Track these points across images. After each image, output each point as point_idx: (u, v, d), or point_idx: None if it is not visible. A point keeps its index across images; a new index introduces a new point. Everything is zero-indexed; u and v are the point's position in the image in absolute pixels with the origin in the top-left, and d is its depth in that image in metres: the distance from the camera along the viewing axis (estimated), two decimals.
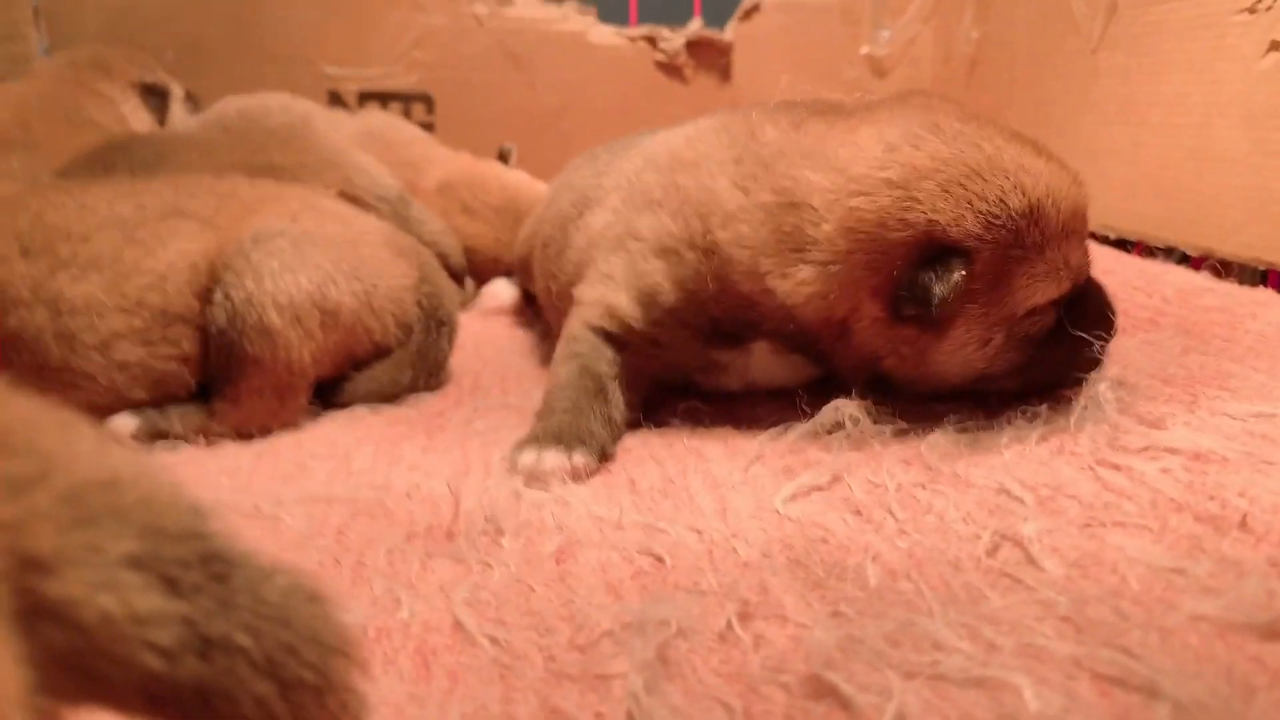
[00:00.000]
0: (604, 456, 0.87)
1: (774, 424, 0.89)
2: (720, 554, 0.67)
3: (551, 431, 0.87)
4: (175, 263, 0.98)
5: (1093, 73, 1.58)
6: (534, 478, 0.82)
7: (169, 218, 1.01)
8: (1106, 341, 0.85)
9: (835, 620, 0.57)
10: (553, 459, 0.83)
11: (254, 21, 2.03)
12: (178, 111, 1.79)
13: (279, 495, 0.83)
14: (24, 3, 1.85)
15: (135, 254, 0.98)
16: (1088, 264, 0.87)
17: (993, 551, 0.64)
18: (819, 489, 0.76)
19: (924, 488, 0.74)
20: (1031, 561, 0.61)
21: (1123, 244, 1.51)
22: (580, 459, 0.84)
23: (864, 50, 2.16)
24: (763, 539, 0.68)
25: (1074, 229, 0.84)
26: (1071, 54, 1.64)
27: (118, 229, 0.99)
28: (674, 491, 0.79)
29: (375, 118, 1.86)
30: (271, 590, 0.39)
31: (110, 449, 0.41)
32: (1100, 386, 0.82)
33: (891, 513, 0.70)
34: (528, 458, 0.84)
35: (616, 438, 0.90)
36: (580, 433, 0.87)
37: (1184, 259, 1.37)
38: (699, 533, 0.70)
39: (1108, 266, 1.34)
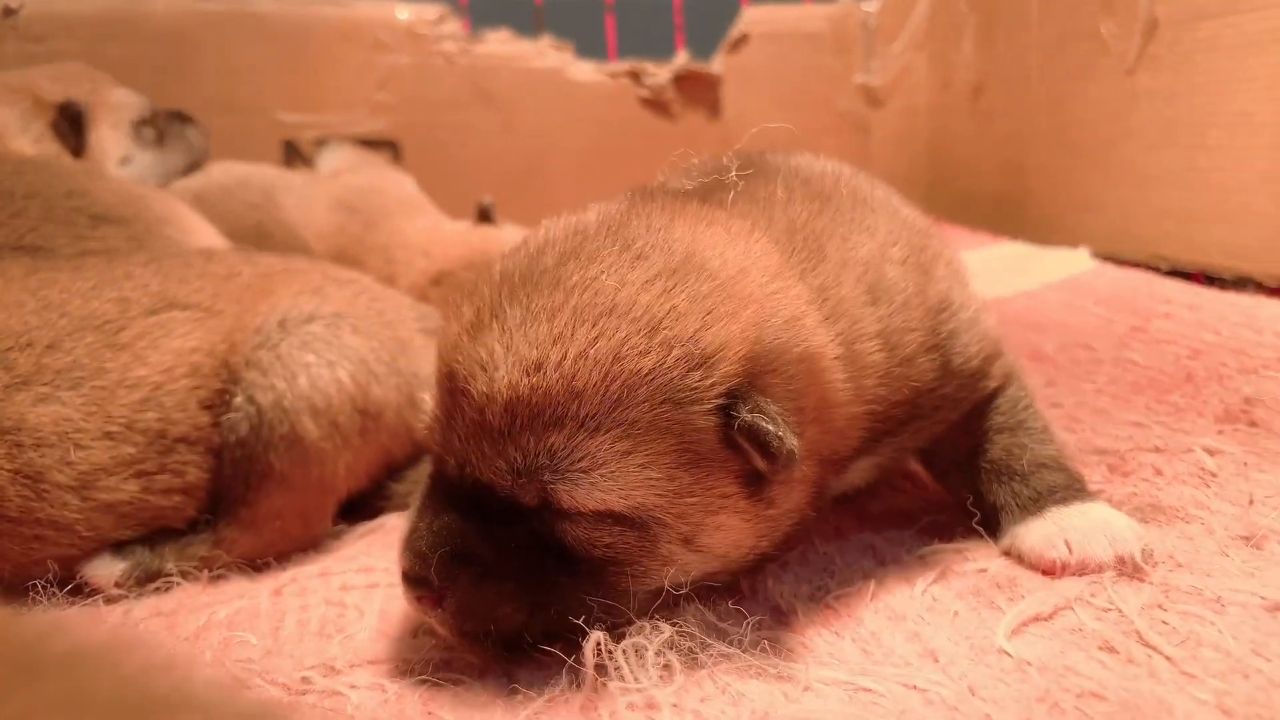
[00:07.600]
0: None
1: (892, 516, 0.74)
2: None
3: None
4: (172, 368, 0.77)
5: (1131, 95, 1.48)
6: None
7: (159, 311, 0.79)
8: None
9: None
10: None
11: (195, 67, 1.83)
12: (121, 145, 1.41)
13: (327, 656, 0.64)
14: None
15: (122, 361, 0.76)
16: None
17: None
18: (1040, 619, 0.60)
19: (1163, 608, 0.59)
20: None
21: (1177, 274, 1.41)
22: None
23: (858, 79, 2.05)
24: (1012, 696, 0.52)
25: None
26: (1103, 77, 1.54)
27: (96, 332, 0.76)
28: (844, 625, 0.62)
29: (353, 185, 1.60)
30: None
31: None
32: None
33: (1155, 649, 0.55)
34: None
35: None
36: None
37: (1259, 289, 1.27)
38: (921, 691, 0.54)
39: (1190, 301, 1.23)
